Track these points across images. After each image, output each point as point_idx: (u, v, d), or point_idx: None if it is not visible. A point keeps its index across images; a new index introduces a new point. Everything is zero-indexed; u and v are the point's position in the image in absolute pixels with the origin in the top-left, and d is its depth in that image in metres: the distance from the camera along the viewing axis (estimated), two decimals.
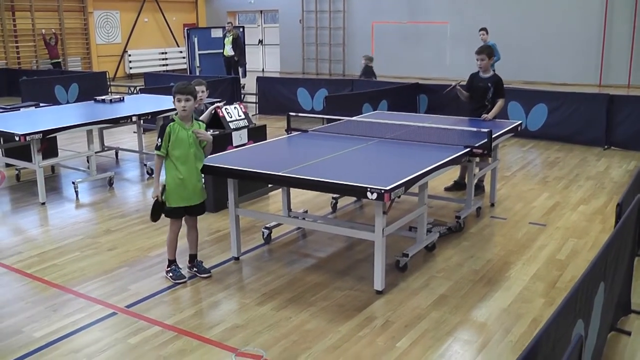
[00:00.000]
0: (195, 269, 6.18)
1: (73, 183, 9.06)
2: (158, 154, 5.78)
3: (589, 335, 3.72)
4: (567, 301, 3.09)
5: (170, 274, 6.05)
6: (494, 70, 8.95)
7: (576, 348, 2.89)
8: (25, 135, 8.17)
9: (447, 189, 8.95)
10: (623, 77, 20.45)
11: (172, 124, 5.79)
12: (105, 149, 11.35)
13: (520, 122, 8.49)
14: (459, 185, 8.89)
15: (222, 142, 8.05)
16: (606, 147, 11.82)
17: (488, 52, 8.71)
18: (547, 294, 5.72)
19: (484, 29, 15.43)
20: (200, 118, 8.41)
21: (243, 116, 8.61)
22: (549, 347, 2.91)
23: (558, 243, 6.99)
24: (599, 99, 12.20)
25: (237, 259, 6.58)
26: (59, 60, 23.38)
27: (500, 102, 8.44)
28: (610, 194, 8.76)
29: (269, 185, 7.37)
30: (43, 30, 23.30)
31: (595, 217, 7.83)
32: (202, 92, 8.55)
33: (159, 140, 5.75)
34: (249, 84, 19.30)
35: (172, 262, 6.10)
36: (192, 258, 6.24)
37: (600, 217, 7.84)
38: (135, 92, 16.08)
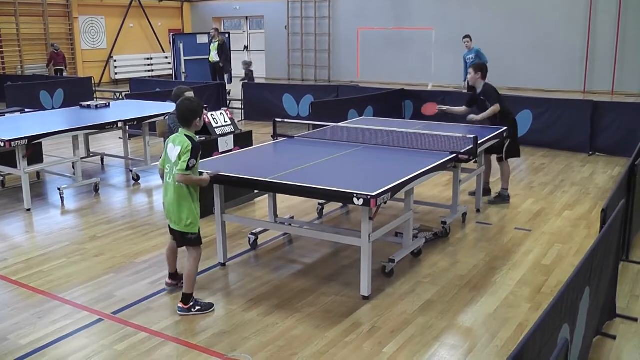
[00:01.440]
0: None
1: (59, 189, 9.03)
2: (186, 173, 5.28)
3: (575, 339, 3.75)
4: (553, 306, 3.11)
5: (198, 308, 5.54)
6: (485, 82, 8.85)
7: (562, 352, 2.92)
8: (10, 141, 8.14)
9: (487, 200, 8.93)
10: (607, 84, 20.57)
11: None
12: (91, 154, 11.31)
13: (505, 128, 8.53)
14: (485, 192, 8.93)
15: (208, 148, 8.04)
16: (591, 153, 11.89)
17: (478, 67, 8.76)
18: (532, 299, 5.75)
19: (467, 36, 15.53)
20: None
21: (229, 122, 8.61)
22: (535, 351, 2.93)
23: (543, 248, 7.03)
24: (584, 106, 12.27)
25: (223, 265, 6.57)
26: (62, 67, 23.25)
27: (492, 107, 8.49)
28: (595, 200, 8.82)
29: (255, 191, 7.37)
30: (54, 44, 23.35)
31: (580, 223, 7.88)
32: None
33: (194, 160, 5.30)
34: (235, 90, 19.30)
35: (191, 295, 5.59)
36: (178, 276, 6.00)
37: (585, 222, 7.89)
38: (121, 97, 16.03)
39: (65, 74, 23.11)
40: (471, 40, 15.40)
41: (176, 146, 5.36)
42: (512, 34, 21.34)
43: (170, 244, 5.89)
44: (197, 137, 5.78)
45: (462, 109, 8.91)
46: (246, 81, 17.51)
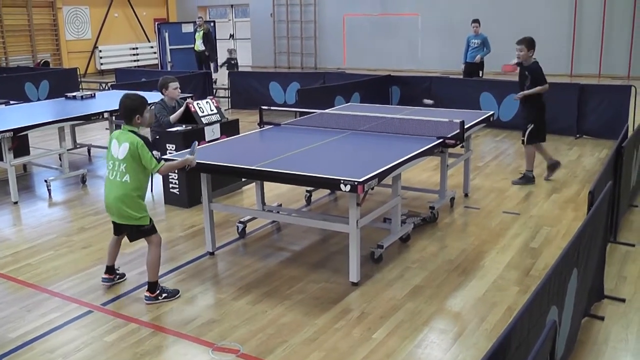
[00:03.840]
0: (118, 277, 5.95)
1: (45, 181, 8.98)
2: (160, 165, 5.37)
3: (563, 321, 3.77)
4: (540, 288, 3.12)
5: (165, 295, 5.56)
6: (534, 60, 8.79)
7: (550, 334, 2.93)
8: None
9: (548, 178, 9.08)
10: (594, 67, 20.62)
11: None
12: (78, 146, 11.26)
13: (492, 112, 8.55)
14: (553, 167, 9.11)
15: (195, 137, 8.02)
16: (578, 136, 11.92)
17: (532, 44, 8.66)
18: (521, 282, 5.78)
19: (476, 20, 15.41)
20: (173, 116, 8.41)
21: (215, 111, 8.57)
22: (523, 333, 2.94)
23: (531, 231, 7.05)
24: (570, 89, 12.29)
25: (212, 254, 6.57)
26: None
27: (543, 86, 8.61)
28: (583, 182, 8.85)
29: (243, 180, 7.35)
30: None
31: (567, 205, 7.90)
32: (175, 88, 8.59)
33: (155, 152, 5.39)
34: (221, 78, 19.23)
35: (156, 283, 5.59)
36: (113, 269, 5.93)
37: (572, 205, 7.92)
38: (106, 88, 15.95)
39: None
40: (479, 25, 15.34)
41: (122, 143, 5.34)
42: (498, 18, 21.28)
43: (113, 239, 5.80)
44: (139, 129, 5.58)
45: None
46: (225, 67, 17.68)
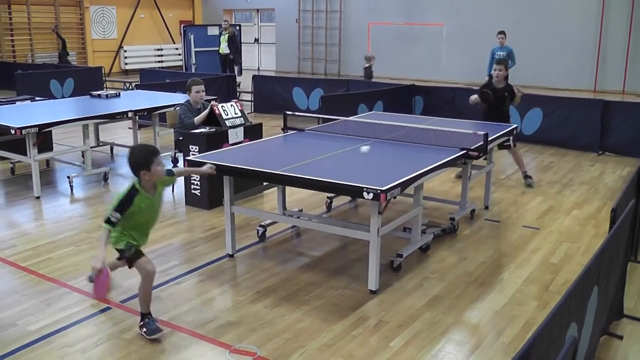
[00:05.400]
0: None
1: (68, 177, 9.06)
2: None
3: (582, 338, 3.75)
4: (562, 303, 3.11)
5: (144, 330, 5.00)
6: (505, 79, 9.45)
7: (570, 350, 2.92)
8: (21, 128, 8.17)
9: None
10: (618, 83, 20.49)
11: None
12: (101, 144, 11.34)
13: (515, 125, 8.53)
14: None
15: (218, 139, 8.07)
16: (600, 152, 11.85)
17: (506, 63, 9.43)
18: (540, 297, 5.75)
19: (502, 32, 15.39)
20: (197, 118, 8.47)
21: (239, 114, 8.61)
22: (543, 348, 2.93)
23: (551, 247, 7.02)
24: (594, 105, 12.24)
25: (231, 256, 6.59)
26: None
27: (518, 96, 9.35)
28: (604, 199, 8.80)
29: (265, 184, 7.38)
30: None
31: (588, 222, 7.86)
32: (198, 92, 8.68)
33: (113, 214, 4.89)
34: (245, 82, 19.29)
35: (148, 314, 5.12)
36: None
37: (593, 221, 7.88)
38: (131, 88, 16.05)
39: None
40: (505, 37, 15.31)
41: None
42: (522, 31, 21.21)
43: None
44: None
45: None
46: (363, 78, 16.88)
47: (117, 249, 5.08)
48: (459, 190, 8.20)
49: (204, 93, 8.83)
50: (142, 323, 5.03)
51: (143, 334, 4.98)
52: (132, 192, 4.93)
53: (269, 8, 28.73)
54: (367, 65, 16.62)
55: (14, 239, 7.09)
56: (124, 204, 4.90)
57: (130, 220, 4.98)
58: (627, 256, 5.52)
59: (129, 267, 5.15)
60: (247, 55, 26.47)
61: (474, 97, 9.27)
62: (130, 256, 5.03)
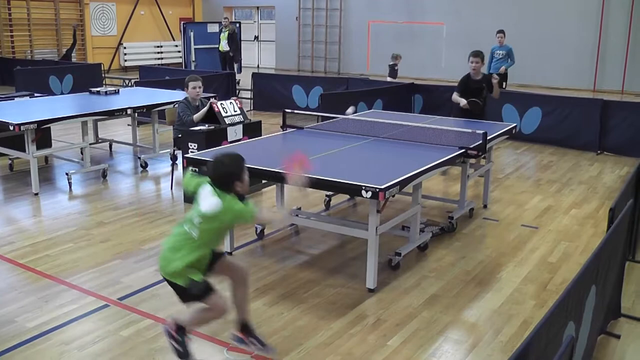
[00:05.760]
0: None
1: (67, 174, 9.05)
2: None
3: (580, 337, 3.75)
4: (560, 302, 3.12)
5: (176, 346, 4.43)
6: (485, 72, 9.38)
7: (567, 349, 2.92)
8: (20, 124, 8.16)
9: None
10: (617, 83, 20.50)
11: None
12: (99, 141, 11.33)
13: (514, 124, 8.54)
14: None
15: (217, 137, 8.06)
16: (599, 152, 11.86)
17: (482, 56, 9.44)
18: (538, 296, 5.76)
19: (501, 31, 15.34)
20: (196, 115, 8.47)
21: (238, 112, 8.60)
22: (540, 347, 2.94)
23: (550, 246, 7.02)
24: (593, 104, 12.24)
25: (230, 253, 6.58)
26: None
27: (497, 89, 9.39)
28: (602, 199, 8.80)
29: (263, 181, 7.36)
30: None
31: (587, 221, 7.87)
32: (194, 87, 8.68)
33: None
34: (244, 79, 19.28)
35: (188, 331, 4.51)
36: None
37: (592, 221, 7.88)
38: (130, 84, 16.04)
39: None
40: (504, 36, 15.29)
41: (214, 197, 4.28)
42: (522, 31, 21.20)
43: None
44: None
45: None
46: (389, 78, 16.34)
47: (176, 283, 4.30)
48: (457, 189, 8.21)
49: (200, 89, 8.81)
50: (176, 336, 4.43)
51: (171, 346, 4.44)
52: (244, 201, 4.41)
53: (269, 6, 28.71)
54: (392, 63, 16.29)
55: (12, 236, 7.08)
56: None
57: (217, 240, 4.48)
58: (625, 255, 5.52)
59: (199, 301, 4.39)
60: (246, 53, 26.46)
61: (464, 103, 9.26)
62: (199, 292, 4.32)
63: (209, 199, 4.28)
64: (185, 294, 4.32)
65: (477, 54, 9.43)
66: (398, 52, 16.71)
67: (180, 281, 4.26)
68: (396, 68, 16.26)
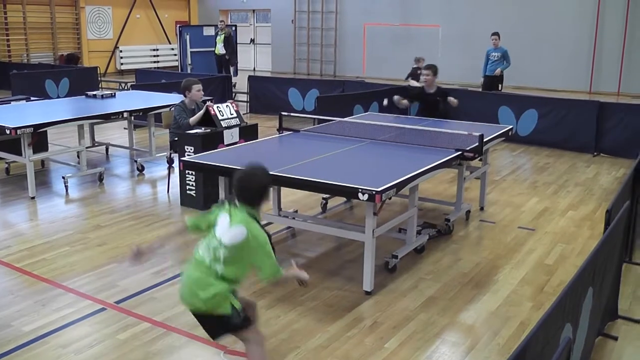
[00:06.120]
0: None
1: (63, 178, 9.03)
2: (279, 275, 4.06)
3: (577, 339, 3.75)
4: (556, 304, 3.12)
5: None
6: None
7: (565, 351, 2.92)
8: (16, 128, 8.14)
9: None
10: (613, 85, 20.54)
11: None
12: (96, 144, 11.33)
13: (511, 127, 8.55)
14: None
15: (214, 140, 8.05)
16: (595, 153, 11.88)
17: (435, 69, 9.51)
18: (534, 298, 5.76)
19: (496, 33, 15.33)
20: (192, 118, 8.46)
21: (235, 114, 8.60)
22: (537, 349, 2.94)
23: (546, 248, 7.03)
24: (589, 106, 12.26)
25: None
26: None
27: (451, 98, 9.42)
28: (599, 201, 8.81)
29: None
30: None
31: (583, 223, 7.87)
32: (199, 90, 8.70)
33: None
34: (240, 82, 19.29)
35: None
36: None
37: (588, 223, 7.89)
38: (126, 88, 16.03)
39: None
40: (499, 38, 15.28)
41: (235, 226, 3.92)
42: (518, 33, 21.22)
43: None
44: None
45: (406, 102, 9.79)
46: (413, 82, 15.50)
47: (221, 317, 3.90)
48: (454, 192, 8.21)
49: (200, 92, 8.85)
50: None
51: None
52: (264, 230, 4.04)
53: (265, 9, 28.72)
54: (415, 66, 16.06)
55: (9, 240, 7.07)
56: (270, 237, 4.06)
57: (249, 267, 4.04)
58: (622, 257, 5.52)
59: (214, 338, 4.19)
60: (243, 56, 26.45)
61: (405, 103, 9.66)
62: (239, 323, 3.97)
63: (232, 229, 3.92)
64: (223, 324, 3.93)
65: (429, 67, 9.58)
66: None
67: (222, 309, 3.86)
68: (419, 72, 16.05)
